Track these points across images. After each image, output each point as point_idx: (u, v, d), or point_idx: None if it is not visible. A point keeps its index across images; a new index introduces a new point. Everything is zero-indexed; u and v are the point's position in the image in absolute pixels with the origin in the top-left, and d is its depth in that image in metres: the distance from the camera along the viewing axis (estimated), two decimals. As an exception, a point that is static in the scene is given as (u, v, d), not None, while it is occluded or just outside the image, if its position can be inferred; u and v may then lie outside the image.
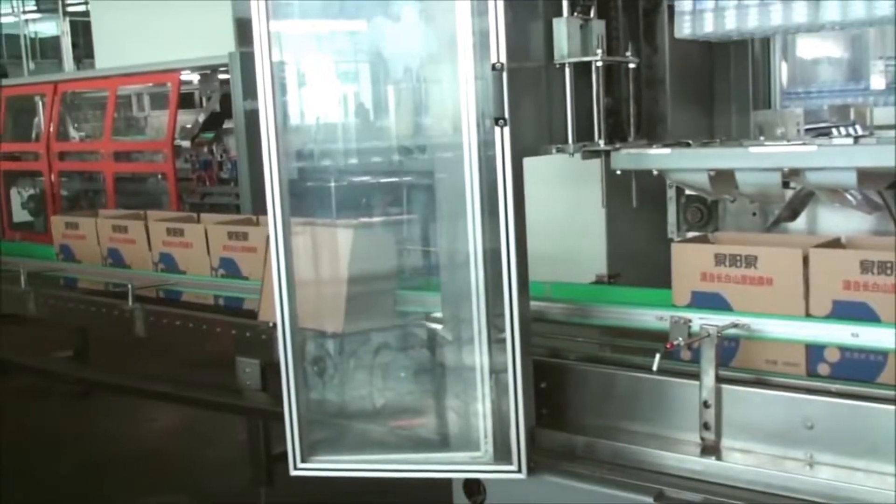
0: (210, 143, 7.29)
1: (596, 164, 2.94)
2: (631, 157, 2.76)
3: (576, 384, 2.61)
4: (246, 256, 3.75)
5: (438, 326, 2.77)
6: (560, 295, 2.94)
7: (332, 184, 3.00)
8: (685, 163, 2.66)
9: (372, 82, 3.01)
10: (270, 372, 3.32)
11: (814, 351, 2.46)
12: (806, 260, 2.43)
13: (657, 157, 2.70)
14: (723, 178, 2.64)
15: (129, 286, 3.83)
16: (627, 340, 2.74)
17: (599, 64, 2.74)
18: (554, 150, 2.77)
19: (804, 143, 2.51)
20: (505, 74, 2.33)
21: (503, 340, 2.40)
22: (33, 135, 8.30)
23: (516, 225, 2.37)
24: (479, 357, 2.50)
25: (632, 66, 2.89)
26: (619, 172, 2.80)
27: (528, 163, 2.46)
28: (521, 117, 2.45)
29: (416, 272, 3.20)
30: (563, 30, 2.70)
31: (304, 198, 2.83)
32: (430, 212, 2.81)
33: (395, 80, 2.96)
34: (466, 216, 2.42)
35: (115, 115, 7.60)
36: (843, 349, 2.40)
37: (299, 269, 2.64)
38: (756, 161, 2.54)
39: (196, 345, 3.66)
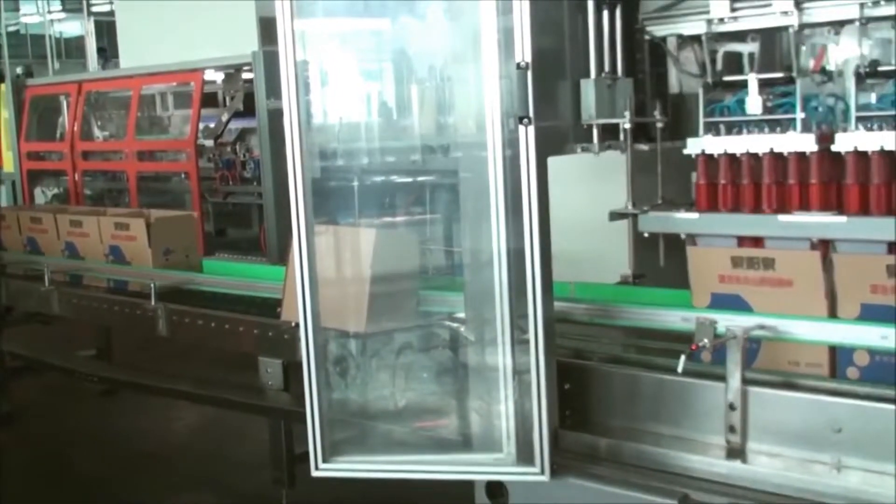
0: (234, 143, 7.33)
1: (620, 161, 2.94)
2: (658, 220, 2.77)
3: (600, 386, 2.61)
4: (129, 245, 4.35)
5: (461, 327, 2.78)
6: (584, 295, 2.95)
7: (355, 183, 3.01)
8: (713, 228, 2.69)
9: (395, 81, 3.02)
10: (293, 372, 3.34)
11: (842, 354, 2.44)
12: (825, 262, 2.42)
13: (685, 221, 2.72)
14: (752, 241, 2.67)
15: (153, 286, 3.87)
16: (652, 341, 2.73)
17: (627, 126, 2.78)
18: (579, 149, 2.77)
19: (835, 214, 2.53)
20: (529, 73, 2.33)
21: (526, 341, 2.41)
22: (57, 134, 8.39)
23: (540, 224, 2.37)
24: (502, 358, 2.50)
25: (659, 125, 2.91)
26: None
27: (553, 161, 2.45)
28: (545, 116, 2.45)
29: (439, 272, 3.20)
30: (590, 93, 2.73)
31: (327, 197, 2.84)
32: (454, 211, 2.82)
33: (418, 78, 2.97)
34: (490, 215, 2.42)
35: (139, 114, 7.65)
36: (872, 352, 2.38)
37: (322, 268, 2.66)
38: (785, 230, 2.56)
39: (219, 344, 3.69)
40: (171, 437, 5.41)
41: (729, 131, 2.76)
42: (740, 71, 2.86)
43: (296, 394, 3.30)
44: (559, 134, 2.72)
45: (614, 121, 2.79)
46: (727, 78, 2.87)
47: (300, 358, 2.62)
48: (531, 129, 2.35)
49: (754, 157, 2.68)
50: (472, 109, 2.60)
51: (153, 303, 3.87)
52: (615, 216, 2.95)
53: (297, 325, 2.63)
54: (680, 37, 2.92)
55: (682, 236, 2.78)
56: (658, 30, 2.91)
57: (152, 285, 3.90)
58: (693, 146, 2.76)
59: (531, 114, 2.35)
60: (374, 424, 2.77)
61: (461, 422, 2.70)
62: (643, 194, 2.98)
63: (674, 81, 3.02)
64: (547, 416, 2.41)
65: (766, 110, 2.73)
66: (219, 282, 4.05)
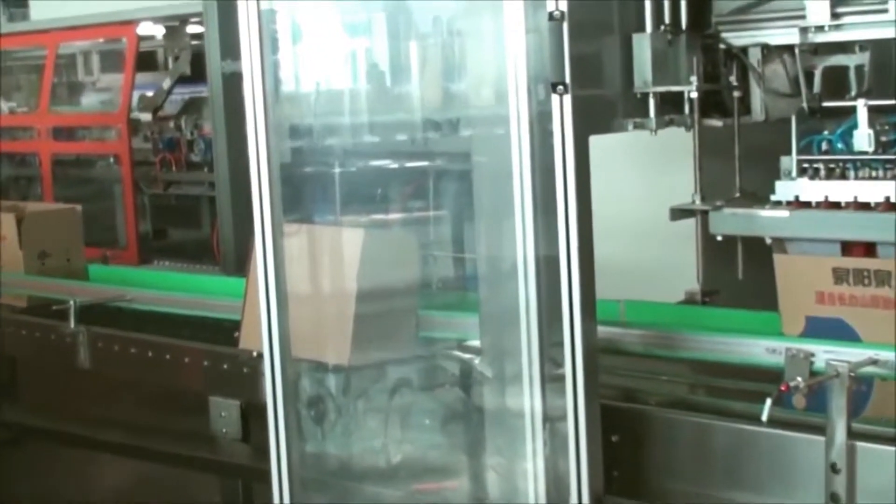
0: (178, 117, 7.36)
1: (686, 141, 2.94)
2: (736, 219, 2.77)
3: (658, 438, 2.60)
4: None
5: (475, 358, 2.77)
6: (637, 318, 2.94)
7: (337, 169, 3.02)
8: (809, 230, 2.69)
9: (389, 37, 3.01)
10: (253, 416, 3.32)
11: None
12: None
13: (771, 221, 2.72)
14: (857, 246, 2.66)
15: (72, 303, 3.88)
16: (727, 380, 2.73)
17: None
18: (631, 126, 2.76)
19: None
20: (565, 25, 2.32)
21: (561, 378, 2.40)
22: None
23: (580, 224, 2.36)
24: (529, 400, 2.50)
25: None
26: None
27: (596, 141, 2.44)
28: (586, 82, 2.44)
29: (446, 286, 3.20)
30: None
31: (299, 187, 2.85)
32: (465, 207, 2.80)
33: (420, 33, 2.96)
34: (513, 212, 2.42)
35: (55, 80, 7.69)
36: None
37: (293, 281, 2.67)
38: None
39: (157, 380, 3.68)
40: (94, 501, 5.41)
41: (829, 172, 2.77)
42: (844, 91, 2.83)
43: (257, 445, 3.27)
44: (604, 105, 2.72)
45: (677, 88, 2.78)
46: (828, 104, 2.84)
47: (263, 398, 2.64)
48: (567, 98, 2.34)
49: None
50: (489, 73, 2.59)
51: (72, 325, 3.87)
52: (678, 214, 2.94)
53: (260, 355, 2.64)
54: (766, 47, 2.87)
55: (768, 241, 2.76)
56: (737, 37, 2.87)
57: (72, 303, 3.89)
58: (783, 191, 2.77)
59: (567, 79, 2.33)
60: (359, 486, 2.78)
61: (474, 484, 2.70)
62: (715, 185, 2.97)
63: (757, 105, 2.98)
64: (588, 478, 2.40)
65: (879, 145, 2.73)
66: (157, 298, 4.05)
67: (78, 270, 4.52)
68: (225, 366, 3.40)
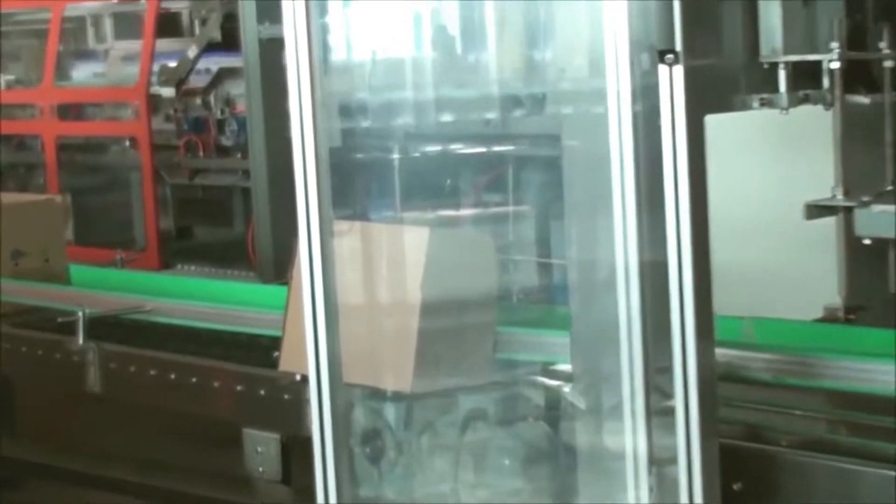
0: (205, 92, 7.42)
1: (825, 122, 2.91)
2: (888, 217, 2.75)
3: (790, 486, 2.58)
4: None
5: (564, 386, 2.77)
6: (766, 339, 2.92)
7: (397, 155, 3.03)
8: None
9: (462, -7, 3.03)
10: (296, 453, 3.35)
11: None
12: None
13: None
14: None
15: (80, 315, 3.93)
16: (875, 416, 2.70)
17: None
18: (756, 103, 2.75)
19: None
20: (678, -19, 2.32)
21: (671, 411, 2.38)
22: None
23: (694, 223, 2.34)
24: (632, 438, 2.48)
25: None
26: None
27: (714, 122, 2.43)
28: (701, 50, 2.43)
29: (529, 297, 3.20)
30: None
31: (351, 177, 2.86)
32: (553, 201, 2.82)
33: (498, -10, 2.98)
34: (612, 208, 2.42)
35: (61, 48, 7.80)
36: None
37: (344, 290, 2.68)
38: None
39: (182, 407, 3.72)
40: (105, 552, 5.46)
41: None
42: None
43: (300, 488, 3.30)
44: (724, 78, 2.70)
45: (814, 57, 2.75)
46: None
47: (308, 431, 2.64)
48: (679, 70, 2.33)
49: None
50: (582, 39, 2.59)
51: (81, 341, 3.92)
52: (815, 211, 2.91)
53: (304, 378, 2.65)
54: None
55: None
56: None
57: (80, 314, 3.94)
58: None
59: (678, 46, 2.32)
60: (424, 539, 2.78)
61: (564, 538, 2.69)
62: (862, 176, 2.94)
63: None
64: (704, 534, 2.38)
65: None
66: (181, 309, 4.08)
67: (58, 273, 4.60)
68: (262, 391, 3.42)
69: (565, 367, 2.79)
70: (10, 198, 4.87)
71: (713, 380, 2.40)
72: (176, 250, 7.47)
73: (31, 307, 4.52)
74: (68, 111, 7.79)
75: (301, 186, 2.64)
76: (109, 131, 7.66)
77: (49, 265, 4.61)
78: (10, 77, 8.50)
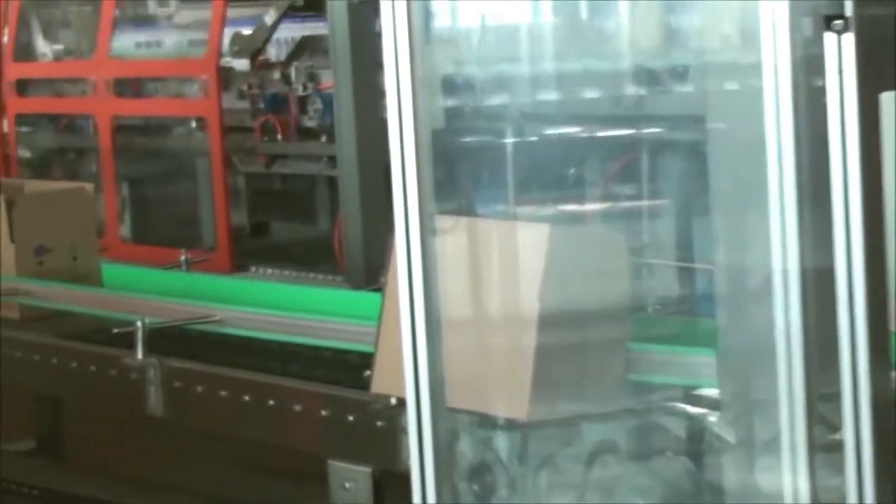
0: (285, 65, 7.47)
1: None
2: None
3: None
4: None
5: (710, 415, 2.77)
6: (951, 360, 2.87)
7: (510, 139, 3.04)
8: None
9: (587, -51, 3.04)
10: (390, 489, 3.36)
11: None
12: None
13: None
14: None
15: (139, 325, 3.98)
16: None
17: None
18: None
19: None
20: (849, -70, 2.31)
21: (839, 446, 2.37)
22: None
23: (867, 222, 2.33)
24: (791, 478, 2.47)
25: None
26: None
27: (890, 101, 2.41)
28: (876, 15, 2.41)
29: (667, 308, 3.18)
30: None
31: (457, 165, 2.88)
32: (696, 194, 2.84)
33: (631, -57, 2.99)
34: (767, 203, 2.41)
35: (117, 13, 7.89)
36: None
37: (448, 299, 2.70)
38: None
39: (256, 434, 3.75)
40: None
41: None
42: None
43: (396, 531, 3.33)
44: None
45: None
46: None
47: (405, 465, 2.68)
48: (849, 38, 2.32)
49: None
50: (729, 4, 2.60)
51: (140, 355, 3.97)
52: None
53: (401, 402, 2.68)
54: None
55: None
56: None
57: (139, 325, 4.00)
58: None
59: (849, 10, 2.31)
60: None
61: None
62: None
63: None
64: None
65: None
66: (257, 319, 4.13)
67: (88, 272, 4.72)
68: (351, 417, 3.46)
69: (711, 391, 2.79)
70: (34, 186, 5.04)
71: (889, 409, 2.38)
72: (250, 250, 7.50)
73: (58, 313, 4.66)
74: (125, 87, 7.86)
75: (398, 175, 2.65)
76: (173, 111, 7.72)
77: (77, 264, 4.75)
78: (59, 47, 8.57)
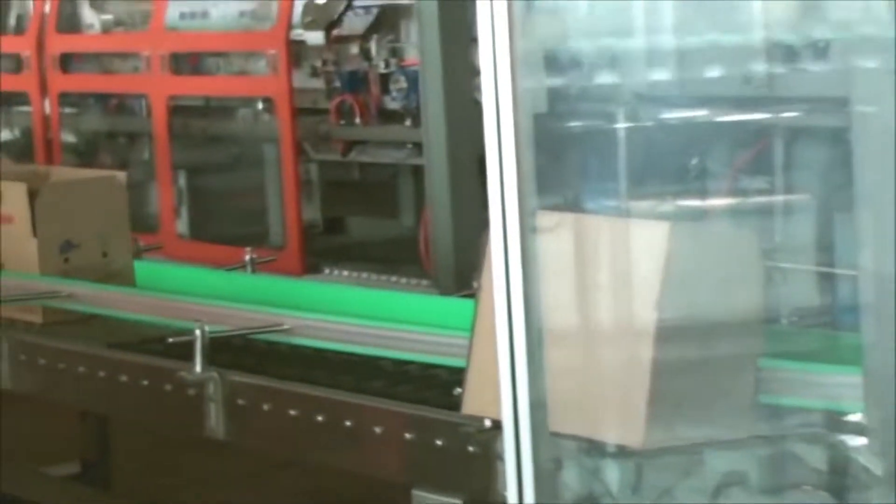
0: (364, 38, 7.48)
1: None
2: None
3: None
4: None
5: (856, 442, 2.76)
6: None
7: (622, 124, 3.04)
8: None
9: None
10: (483, 525, 3.37)
11: None
12: None
13: None
14: None
15: (198, 333, 4.00)
16: None
17: None
18: None
19: None
20: None
21: None
22: (11, 21, 8.81)
23: None
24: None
25: None
26: None
27: None
28: None
29: (805, 321, 3.16)
30: None
31: (561, 154, 2.88)
32: (838, 188, 2.81)
33: None
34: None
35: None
36: None
37: (551, 307, 2.71)
38: None
39: (330, 459, 3.76)
40: None
41: None
42: None
43: (490, 573, 3.33)
44: None
45: None
46: None
47: (500, 495, 2.70)
48: None
49: None
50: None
51: (199, 369, 4.00)
52: None
53: (497, 425, 2.69)
54: None
55: None
56: None
57: (198, 333, 4.02)
58: None
59: None
60: None
61: None
62: None
63: None
64: None
65: None
66: (331, 328, 4.15)
67: (119, 271, 4.76)
68: (439, 441, 3.46)
69: (855, 416, 2.78)
70: (60, 173, 5.10)
71: None
72: (324, 249, 7.53)
73: (86, 317, 4.70)
74: (183, 63, 7.90)
75: (494, 165, 2.66)
76: (237, 90, 7.77)
77: (108, 261, 4.80)
78: (108, 17, 8.63)
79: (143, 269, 5.16)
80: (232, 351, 4.20)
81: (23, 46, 8.43)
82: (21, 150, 8.95)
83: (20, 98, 8.80)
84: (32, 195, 4.70)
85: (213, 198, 8.32)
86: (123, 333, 4.56)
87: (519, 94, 2.65)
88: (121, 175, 5.13)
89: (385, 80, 7.31)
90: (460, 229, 5.85)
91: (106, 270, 4.76)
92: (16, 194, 4.71)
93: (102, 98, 8.62)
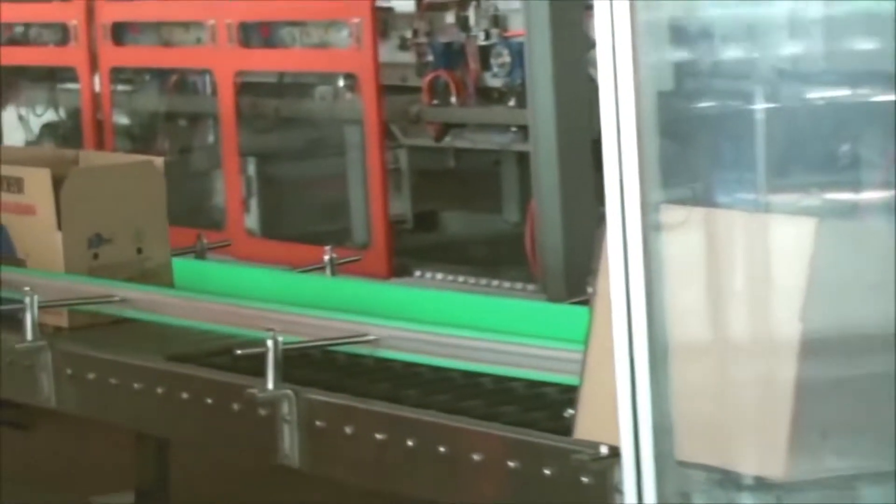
0: (460, 5, 7.47)
1: None
2: None
3: None
4: (20, 225, 4.68)
5: None
6: None
7: (761, 105, 3.03)
8: None
9: None
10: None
11: None
12: None
13: None
14: None
15: (270, 344, 4.02)
16: None
17: None
18: None
19: None
20: None
21: None
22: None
23: None
24: None
25: None
26: None
27: None
28: None
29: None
30: None
31: (688, 140, 2.88)
32: None
33: None
34: None
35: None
36: None
37: (678, 318, 2.71)
38: None
39: (424, 491, 3.78)
40: None
41: None
42: None
43: None
44: None
45: None
46: None
47: (619, 536, 2.64)
48: None
49: None
50: None
51: (271, 385, 4.02)
52: None
53: (616, 452, 2.69)
54: None
55: None
56: None
57: (270, 344, 4.04)
58: None
59: None
60: None
61: None
62: None
63: None
64: None
65: None
66: (423, 340, 4.17)
67: (156, 269, 4.78)
68: (547, 470, 3.46)
69: None
70: (91, 158, 5.13)
71: None
72: (414, 248, 7.53)
73: (118, 322, 4.74)
74: (253, 33, 7.93)
75: (612, 152, 2.67)
76: (315, 65, 7.78)
77: (143, 258, 4.82)
78: (165, -19, 8.70)
79: (208, 270, 5.20)
80: (309, 365, 4.22)
81: (70, 15, 8.50)
82: (67, 134, 9.02)
83: (67, 74, 8.87)
84: (58, 183, 4.71)
85: (288, 189, 8.35)
86: (175, 342, 4.61)
87: (640, 69, 2.65)
88: (158, 160, 5.15)
89: (485, 53, 7.30)
90: (572, 225, 5.85)
91: (140, 268, 4.80)
92: (39, 181, 4.73)
93: (161, 74, 8.66)
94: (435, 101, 7.36)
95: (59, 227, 4.71)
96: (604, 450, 3.11)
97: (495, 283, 6.69)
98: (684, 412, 2.66)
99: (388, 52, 7.39)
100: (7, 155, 5.25)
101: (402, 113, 7.46)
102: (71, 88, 8.89)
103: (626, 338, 2.65)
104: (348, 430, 3.90)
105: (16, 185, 4.79)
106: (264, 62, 7.89)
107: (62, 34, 8.71)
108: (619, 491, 2.71)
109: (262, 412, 4.06)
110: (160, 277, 4.81)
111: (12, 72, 9.03)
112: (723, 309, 2.92)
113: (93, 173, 4.93)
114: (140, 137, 8.79)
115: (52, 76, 9.05)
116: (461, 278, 6.91)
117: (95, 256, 4.75)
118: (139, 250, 4.82)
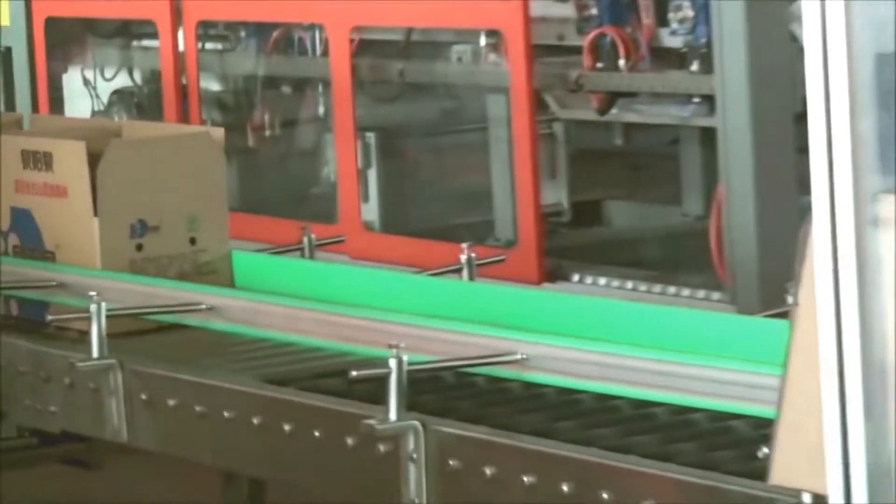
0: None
1: None
2: None
3: None
4: (50, 208, 4.74)
5: None
6: None
7: None
8: None
9: None
10: None
11: None
12: None
13: None
14: None
15: (394, 364, 4.03)
16: None
17: None
18: None
19: None
20: None
21: None
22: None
23: None
24: None
25: None
26: None
27: None
28: None
29: None
30: None
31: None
32: None
33: None
34: None
35: None
36: None
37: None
38: None
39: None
40: None
41: None
42: None
43: None
44: None
45: None
46: None
47: None
48: None
49: None
50: None
51: (393, 415, 4.04)
52: None
53: (820, 501, 2.73)
54: None
55: None
56: None
57: (393, 365, 4.06)
58: None
59: None
60: None
61: None
62: None
63: None
64: None
65: None
66: (581, 359, 4.19)
67: (213, 264, 4.84)
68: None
69: None
70: (135, 129, 5.22)
71: None
72: (572, 247, 7.54)
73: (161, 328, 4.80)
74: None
75: (819, 129, 2.67)
76: (450, 19, 7.80)
77: (197, 251, 4.88)
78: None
79: (316, 270, 5.23)
80: (440, 390, 4.25)
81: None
82: (143, 103, 9.10)
83: (145, 29, 8.95)
84: (95, 159, 4.72)
85: (415, 172, 8.37)
86: (271, 359, 4.66)
87: (854, 26, 2.64)
88: (217, 131, 5.21)
89: (662, 6, 7.29)
90: (768, 220, 5.84)
91: (194, 263, 4.85)
92: (72, 157, 4.76)
93: (259, 30, 8.73)
94: (599, 65, 7.34)
95: (96, 212, 4.75)
96: (807, 499, 3.10)
97: (672, 290, 6.67)
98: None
99: (542, 4, 7.39)
100: (36, 124, 5.35)
101: (559, 79, 7.46)
102: (149, 47, 8.98)
103: (835, 360, 2.64)
104: (488, 471, 3.91)
105: (44, 161, 4.83)
106: (387, 16, 7.91)
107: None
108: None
109: (383, 448, 4.09)
110: (217, 273, 4.86)
111: (77, 25, 9.13)
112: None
113: (136, 147, 4.97)
114: (233, 107, 8.87)
115: (126, 31, 9.13)
116: (629, 284, 6.90)
117: (139, 248, 4.81)
118: (192, 240, 4.87)
